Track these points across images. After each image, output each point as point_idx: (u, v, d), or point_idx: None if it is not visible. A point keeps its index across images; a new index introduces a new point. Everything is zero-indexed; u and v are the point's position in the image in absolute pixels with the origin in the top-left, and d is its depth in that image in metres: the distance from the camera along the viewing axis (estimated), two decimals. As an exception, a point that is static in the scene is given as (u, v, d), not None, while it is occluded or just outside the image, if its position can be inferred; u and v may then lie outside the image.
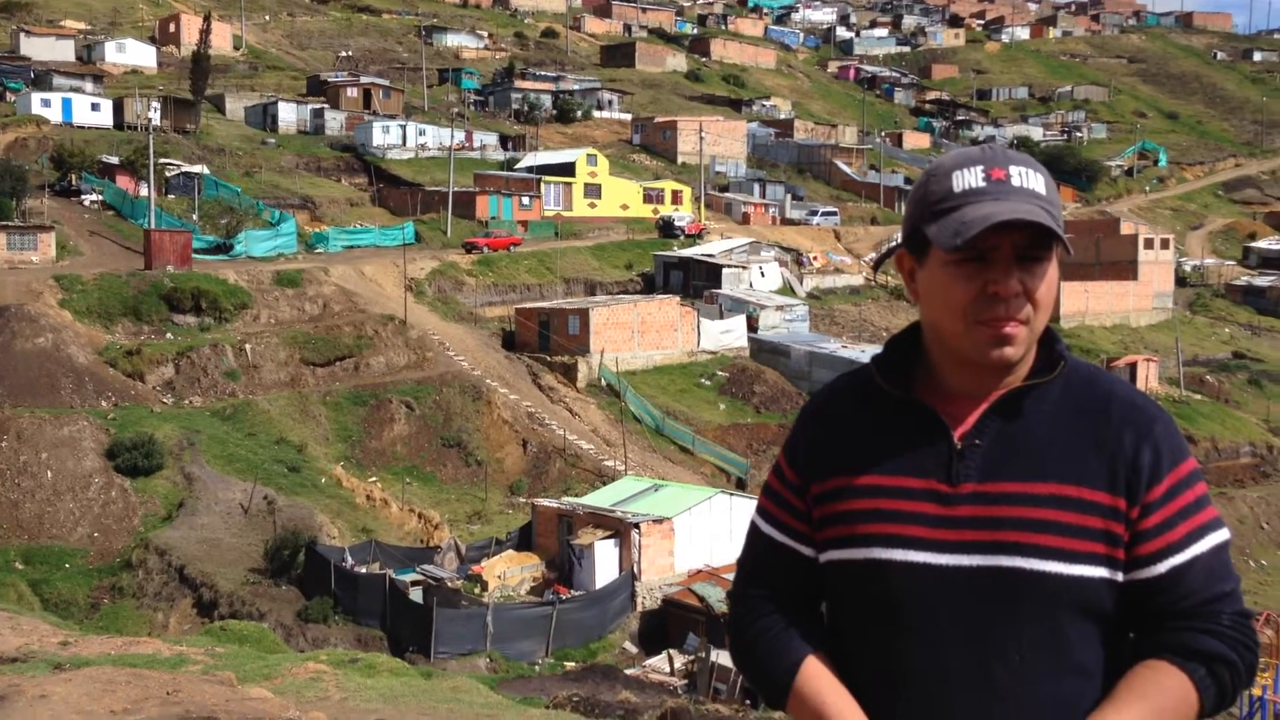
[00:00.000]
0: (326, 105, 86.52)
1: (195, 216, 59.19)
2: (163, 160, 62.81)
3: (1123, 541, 1.97)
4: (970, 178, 1.99)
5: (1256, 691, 25.50)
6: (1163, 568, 1.96)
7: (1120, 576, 1.98)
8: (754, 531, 2.24)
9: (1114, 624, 2.01)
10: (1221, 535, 2.00)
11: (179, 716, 5.55)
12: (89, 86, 77.39)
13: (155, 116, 66.80)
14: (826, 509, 2.11)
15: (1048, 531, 1.95)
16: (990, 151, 2.03)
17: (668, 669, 28.07)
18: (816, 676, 2.07)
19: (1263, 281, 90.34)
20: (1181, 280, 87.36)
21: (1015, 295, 1.96)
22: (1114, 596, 1.98)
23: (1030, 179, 1.99)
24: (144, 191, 58.38)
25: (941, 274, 2.01)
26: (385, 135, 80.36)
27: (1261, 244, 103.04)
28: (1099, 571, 1.96)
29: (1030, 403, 2.04)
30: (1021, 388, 2.05)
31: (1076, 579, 1.95)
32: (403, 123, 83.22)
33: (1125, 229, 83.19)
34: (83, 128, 70.53)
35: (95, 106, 73.46)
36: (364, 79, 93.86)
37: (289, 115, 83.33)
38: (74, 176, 62.51)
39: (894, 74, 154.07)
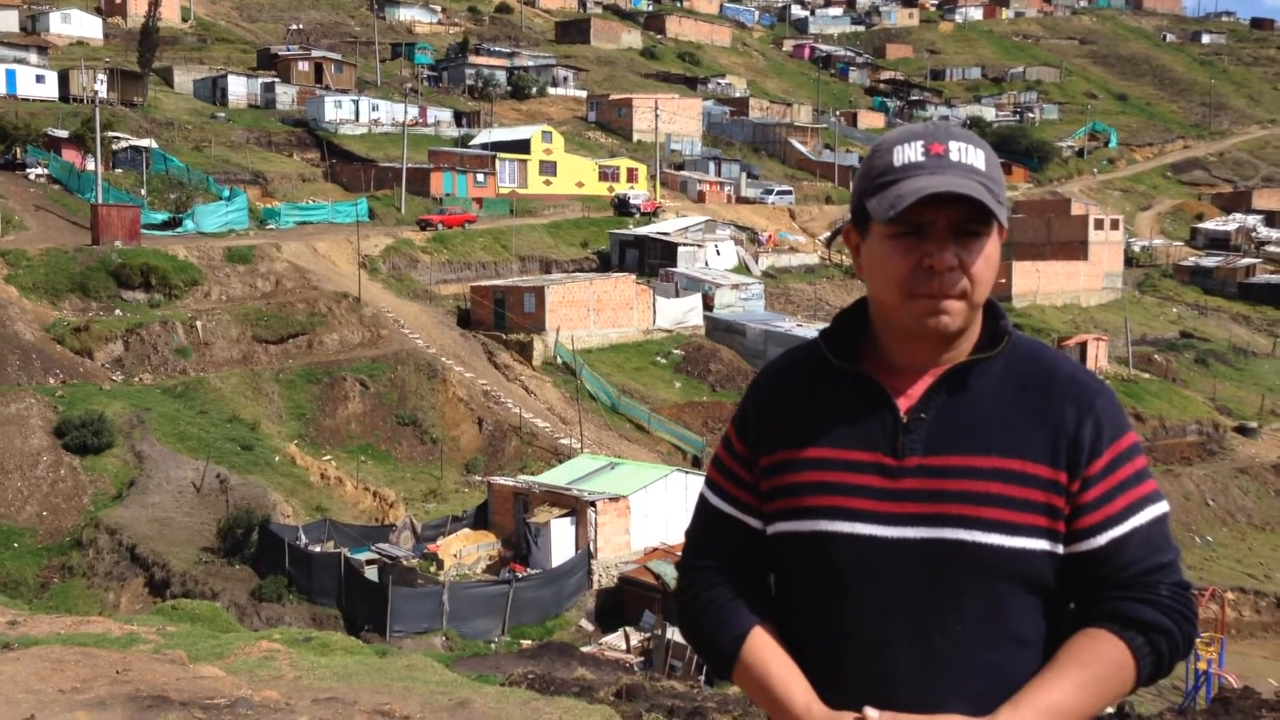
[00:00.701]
0: (277, 79, 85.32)
1: (144, 191, 58.26)
2: (110, 134, 61.68)
3: (1063, 515, 2.01)
4: (910, 152, 2.01)
5: (1201, 666, 26.06)
6: (1102, 540, 2.01)
7: (1061, 549, 2.02)
8: (703, 503, 2.27)
9: (1054, 596, 2.05)
10: (1160, 508, 2.05)
11: (128, 695, 5.51)
12: (33, 58, 75.76)
13: (102, 89, 65.61)
14: (774, 481, 2.14)
15: (990, 504, 1.99)
16: (933, 127, 2.07)
17: (624, 646, 28.20)
18: (762, 647, 2.10)
19: (1209, 262, 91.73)
20: (1130, 260, 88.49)
21: (951, 269, 1.99)
22: (1054, 569, 2.02)
23: (969, 155, 2.01)
24: (91, 165, 57.35)
25: (881, 247, 2.04)
26: (338, 110, 79.46)
27: (1208, 225, 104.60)
28: (1040, 544, 2.00)
29: (975, 377, 2.08)
30: (966, 362, 2.08)
31: (1017, 551, 1.99)
32: (355, 98, 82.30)
33: (1076, 209, 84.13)
34: (27, 100, 69.06)
35: (40, 78, 71.92)
36: (315, 53, 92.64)
37: (239, 89, 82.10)
38: (19, 150, 61.28)
39: (849, 53, 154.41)
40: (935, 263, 1.98)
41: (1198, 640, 25.45)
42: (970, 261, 2.00)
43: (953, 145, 2.02)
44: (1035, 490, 2.00)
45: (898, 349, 2.11)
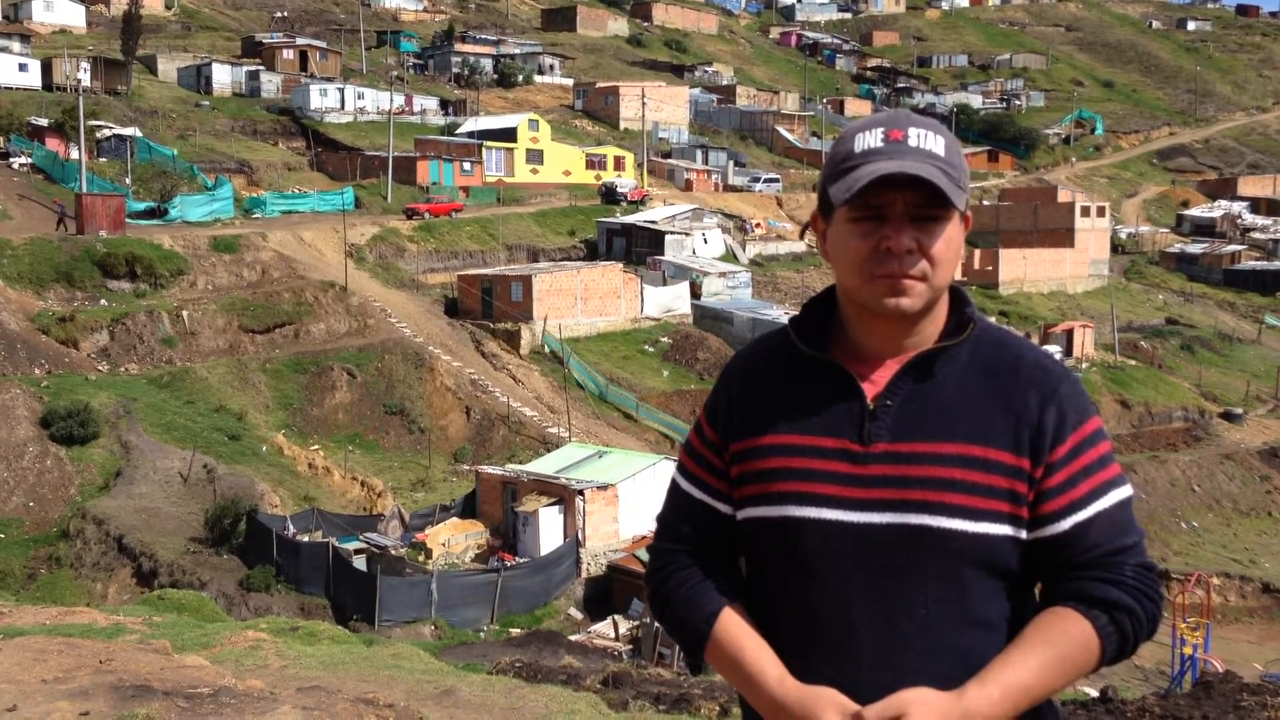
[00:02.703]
0: (262, 67, 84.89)
1: (128, 180, 57.97)
2: (93, 122, 61.35)
3: (1026, 500, 2.03)
4: (870, 139, 2.05)
5: (1187, 650, 26.20)
6: (1066, 524, 2.03)
7: (1024, 534, 2.04)
8: (674, 488, 2.30)
9: (1018, 579, 2.08)
10: (1124, 492, 2.07)
11: (111, 685, 5.51)
12: (16, 46, 75.26)
13: (85, 77, 65.25)
14: (743, 467, 2.16)
15: (954, 490, 2.01)
16: (894, 115, 2.10)
17: (612, 634, 28.26)
18: (734, 626, 2.13)
19: (1195, 249, 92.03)
20: (1117, 247, 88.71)
21: (909, 252, 2.02)
22: (1018, 553, 2.05)
23: (928, 140, 2.04)
24: (75, 154, 57.05)
25: (842, 231, 2.08)
26: (323, 98, 79.12)
27: (1194, 212, 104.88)
28: (1003, 529, 2.02)
29: (940, 364, 2.10)
30: (932, 350, 2.11)
31: (981, 536, 2.01)
32: (341, 85, 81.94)
33: (1062, 197, 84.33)
34: (10, 89, 68.67)
35: (23, 67, 71.50)
36: (300, 40, 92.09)
37: (223, 77, 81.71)
38: (2, 139, 60.94)
39: (835, 40, 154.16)
40: (893, 245, 2.01)
41: (1184, 625, 25.40)
42: (929, 244, 2.03)
43: (912, 131, 2.05)
44: (998, 476, 2.02)
45: (864, 334, 2.13)
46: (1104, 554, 2.03)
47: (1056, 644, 1.99)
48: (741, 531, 2.19)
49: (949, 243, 2.05)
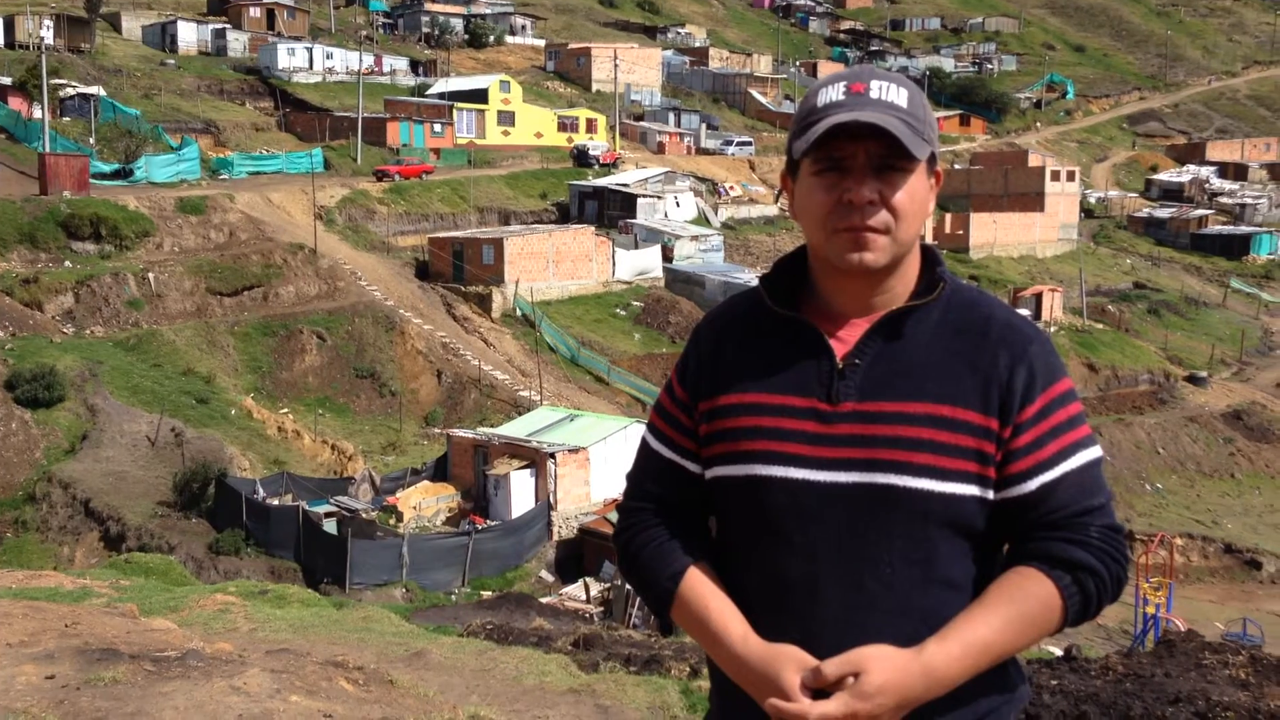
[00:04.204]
0: (228, 25, 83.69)
1: (92, 140, 57.11)
2: (56, 81, 60.28)
3: (994, 461, 2.02)
4: (832, 93, 2.05)
5: (1150, 610, 26.58)
6: (1032, 485, 2.02)
7: (991, 495, 2.03)
8: (644, 446, 2.30)
9: (984, 540, 2.07)
10: (1092, 453, 2.06)
11: (77, 649, 5.48)
12: (-25, 3, 73.84)
13: (48, 35, 64.01)
14: (712, 426, 2.15)
15: (921, 450, 2.00)
16: (857, 69, 2.09)
17: (584, 597, 28.39)
18: (699, 584, 2.12)
19: (1163, 213, 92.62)
20: (1086, 212, 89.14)
21: (869, 203, 2.01)
22: (984, 514, 2.04)
23: (890, 92, 2.03)
24: (37, 114, 56.12)
25: (807, 185, 2.07)
26: (291, 58, 78.06)
27: (1162, 176, 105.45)
28: (970, 489, 2.01)
29: (911, 324, 2.09)
30: (902, 309, 2.09)
31: (948, 496, 2.00)
32: (309, 45, 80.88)
33: (1033, 161, 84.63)
34: (-30, 47, 67.41)
35: (-17, 24, 70.23)
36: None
37: (189, 35, 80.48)
38: (-38, 98, 59.84)
39: (809, 3, 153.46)
40: (853, 197, 2.00)
41: (1147, 585, 25.70)
42: (890, 195, 2.02)
43: (874, 84, 2.04)
44: (966, 436, 2.01)
45: (833, 292, 2.12)
46: (1070, 515, 2.02)
47: (1018, 603, 1.99)
48: (710, 491, 2.18)
49: (912, 194, 2.03)
